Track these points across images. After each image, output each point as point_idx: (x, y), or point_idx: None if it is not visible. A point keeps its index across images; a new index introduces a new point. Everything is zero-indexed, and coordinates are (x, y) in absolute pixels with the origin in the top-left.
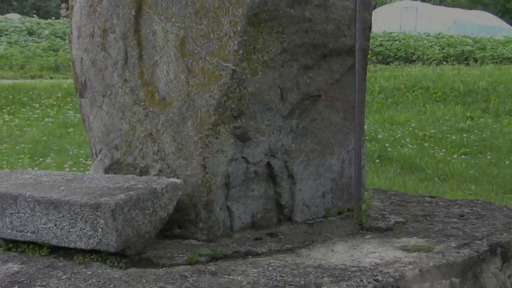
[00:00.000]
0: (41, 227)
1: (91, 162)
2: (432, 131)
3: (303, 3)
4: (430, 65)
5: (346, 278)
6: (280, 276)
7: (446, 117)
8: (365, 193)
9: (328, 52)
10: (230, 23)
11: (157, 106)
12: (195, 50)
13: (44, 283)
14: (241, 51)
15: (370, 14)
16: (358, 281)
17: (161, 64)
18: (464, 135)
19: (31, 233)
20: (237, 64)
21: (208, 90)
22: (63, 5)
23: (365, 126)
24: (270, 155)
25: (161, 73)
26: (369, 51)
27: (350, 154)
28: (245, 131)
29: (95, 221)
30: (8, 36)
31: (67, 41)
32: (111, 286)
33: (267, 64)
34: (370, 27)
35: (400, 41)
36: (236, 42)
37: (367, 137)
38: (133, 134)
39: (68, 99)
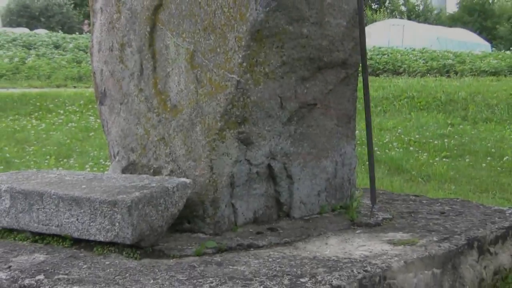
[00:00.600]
0: (65, 221)
1: (109, 163)
2: (417, 136)
3: (301, 21)
4: (415, 77)
5: (338, 268)
6: (279, 266)
7: (429, 124)
8: (356, 192)
9: (323, 65)
10: (235, 38)
11: (169, 113)
12: (204, 63)
13: (67, 272)
14: (245, 64)
15: (363, 27)
16: (349, 271)
17: (172, 75)
18: (445, 140)
19: (55, 226)
20: (241, 76)
21: (215, 99)
22: (85, 21)
23: (357, 132)
24: (271, 157)
25: (173, 83)
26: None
27: (343, 157)
28: (248, 136)
29: (113, 216)
30: (36, 49)
31: (88, 54)
32: (127, 274)
33: (268, 76)
34: (364, 39)
35: (388, 55)
36: (240, 56)
37: (358, 142)
38: (147, 138)
39: (90, 106)
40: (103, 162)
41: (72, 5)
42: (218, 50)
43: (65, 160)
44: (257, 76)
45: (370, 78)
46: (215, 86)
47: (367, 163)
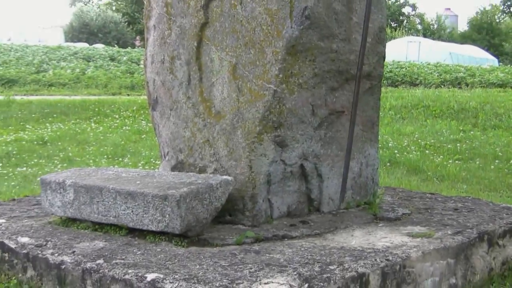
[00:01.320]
0: (121, 213)
1: (159, 162)
2: (432, 141)
3: (331, 37)
4: (430, 88)
5: (363, 257)
6: (310, 255)
7: (443, 130)
8: (378, 190)
9: (350, 77)
10: (273, 52)
11: (213, 118)
12: (244, 74)
13: (123, 257)
14: (281, 75)
15: (384, 47)
16: (373, 260)
17: (217, 85)
18: (458, 144)
19: (113, 217)
20: (277, 86)
21: (254, 106)
22: (137, 37)
23: (379, 137)
24: (303, 158)
25: (217, 92)
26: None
27: (367, 159)
28: (283, 139)
29: (164, 209)
30: (94, 61)
31: (141, 66)
32: (176, 260)
33: (301, 86)
34: (384, 57)
35: (406, 69)
36: (277, 68)
37: (380, 145)
38: (194, 140)
39: (141, 112)
40: (153, 161)
41: (126, 23)
42: (257, 63)
43: (120, 159)
44: (291, 86)
45: (389, 89)
46: (254, 95)
47: (388, 164)
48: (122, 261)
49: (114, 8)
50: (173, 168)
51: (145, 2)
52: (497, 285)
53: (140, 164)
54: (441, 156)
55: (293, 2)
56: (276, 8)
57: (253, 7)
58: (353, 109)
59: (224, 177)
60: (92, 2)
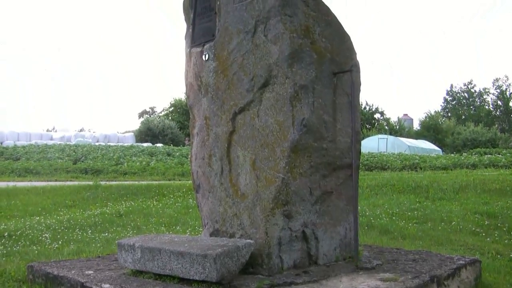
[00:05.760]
0: (174, 267)
1: (202, 230)
2: (397, 210)
3: (322, 139)
4: (395, 171)
5: None
6: None
7: (405, 202)
8: (359, 247)
9: (336, 167)
10: (281, 151)
11: (240, 198)
12: (261, 166)
13: None
14: (287, 167)
15: (360, 145)
16: None
17: (242, 174)
18: (415, 212)
19: (168, 270)
20: (285, 174)
21: (268, 189)
22: (186, 138)
23: (359, 208)
24: (304, 226)
25: (242, 179)
26: (360, 165)
27: (350, 225)
28: (290, 212)
29: (204, 264)
30: (156, 156)
31: (188, 160)
32: None
33: (302, 174)
34: (360, 152)
35: (377, 158)
36: (284, 162)
37: (360, 214)
38: (226, 214)
39: (189, 193)
40: (197, 229)
41: (178, 128)
42: (270, 158)
43: (174, 227)
44: (295, 175)
45: (366, 172)
46: (268, 181)
47: (366, 227)
48: None
49: (170, 118)
50: (211, 234)
51: (190, 116)
52: None
53: (188, 231)
54: (404, 221)
55: (294, 115)
56: (282, 119)
57: (266, 119)
58: (354, 194)
59: (248, 240)
60: (155, 114)
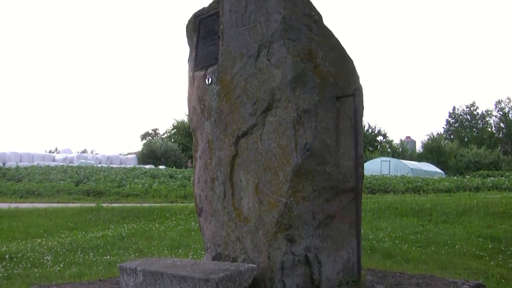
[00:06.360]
0: None
1: (204, 253)
2: (400, 233)
3: (325, 163)
4: (398, 194)
5: None
6: None
7: (408, 225)
8: (362, 271)
9: (339, 191)
10: (284, 175)
11: (242, 222)
12: (264, 190)
13: None
14: (290, 191)
15: (363, 169)
16: None
17: (244, 198)
18: (418, 235)
19: None
20: (287, 198)
21: (271, 213)
22: (189, 160)
23: (362, 231)
24: (307, 250)
25: (245, 203)
26: (363, 188)
27: (353, 249)
28: (292, 236)
29: None
30: (158, 178)
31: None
32: None
33: (304, 198)
34: (363, 176)
35: (380, 180)
36: (287, 186)
37: (362, 238)
38: (228, 238)
39: (191, 215)
40: (200, 252)
41: (181, 150)
42: (273, 182)
43: (176, 250)
44: (297, 199)
45: (369, 195)
46: (271, 205)
47: (369, 251)
48: None
49: (172, 140)
50: (213, 258)
51: (193, 139)
52: None
53: (190, 254)
54: (407, 244)
55: (297, 139)
56: (285, 143)
57: (269, 143)
58: (357, 221)
59: (250, 265)
60: (157, 136)
